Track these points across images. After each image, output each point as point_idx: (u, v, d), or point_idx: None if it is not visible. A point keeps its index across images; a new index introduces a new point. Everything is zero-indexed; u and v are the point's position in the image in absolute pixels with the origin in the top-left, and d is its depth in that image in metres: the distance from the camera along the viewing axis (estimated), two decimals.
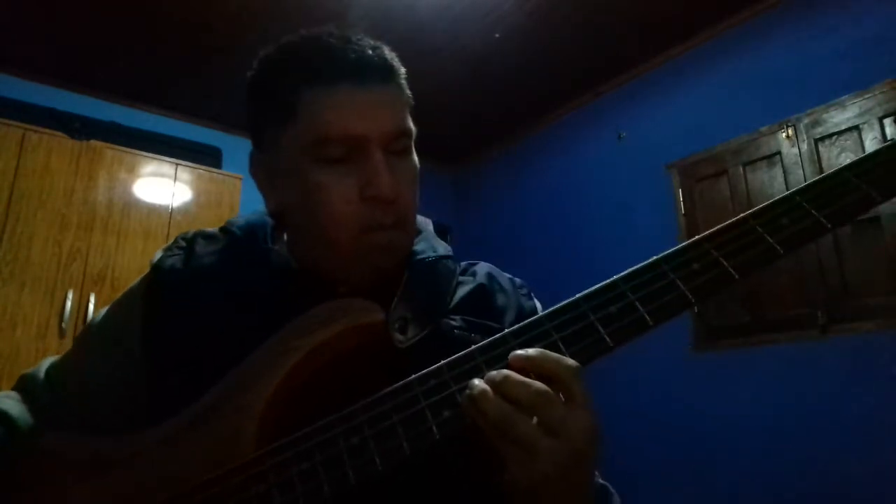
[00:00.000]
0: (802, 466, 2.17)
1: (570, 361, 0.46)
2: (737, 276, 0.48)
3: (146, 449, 0.52)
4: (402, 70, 0.63)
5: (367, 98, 0.59)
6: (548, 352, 0.47)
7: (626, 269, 0.52)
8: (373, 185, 0.57)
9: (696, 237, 0.51)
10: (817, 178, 0.51)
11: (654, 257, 0.51)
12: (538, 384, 0.45)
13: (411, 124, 0.62)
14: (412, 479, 0.51)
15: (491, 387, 0.45)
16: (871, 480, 1.99)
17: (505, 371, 0.46)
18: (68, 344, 2.37)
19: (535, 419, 0.44)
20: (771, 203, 0.51)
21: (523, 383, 0.45)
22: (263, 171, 0.65)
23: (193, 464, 0.49)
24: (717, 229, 0.50)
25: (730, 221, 0.51)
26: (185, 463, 0.50)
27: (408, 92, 0.64)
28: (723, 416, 2.43)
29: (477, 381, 0.46)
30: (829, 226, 0.48)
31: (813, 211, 0.49)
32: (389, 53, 0.63)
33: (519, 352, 0.47)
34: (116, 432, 0.55)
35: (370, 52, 0.60)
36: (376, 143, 0.58)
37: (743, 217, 0.51)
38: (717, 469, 2.38)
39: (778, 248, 0.48)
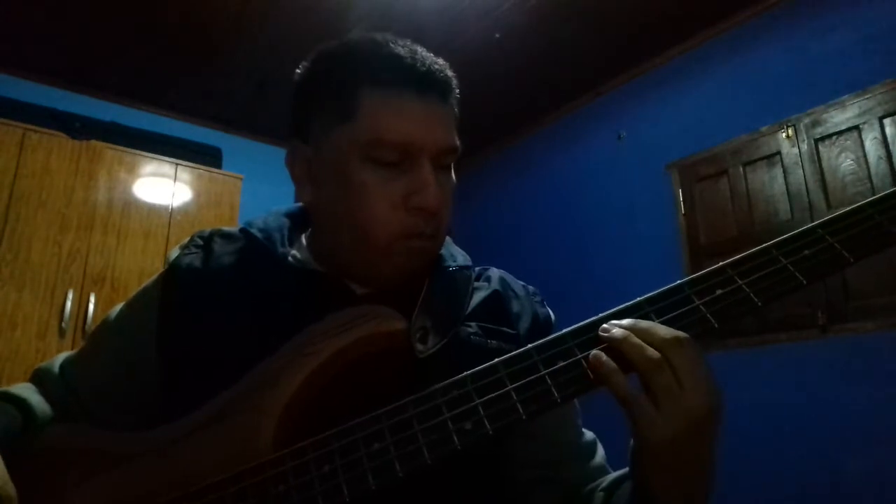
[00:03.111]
0: (802, 466, 2.17)
1: (681, 335, 0.47)
2: (759, 304, 0.49)
3: (159, 445, 0.52)
4: (458, 90, 0.65)
5: (429, 110, 0.60)
6: (659, 325, 0.48)
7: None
8: (421, 195, 0.58)
9: (720, 264, 0.52)
10: (840, 212, 0.52)
11: (679, 281, 0.52)
12: (652, 351, 0.46)
13: (459, 142, 0.64)
14: (427, 483, 0.51)
15: (611, 342, 0.48)
16: (871, 480, 2.00)
17: (625, 331, 0.48)
18: (68, 344, 2.38)
19: None
20: (793, 234, 0.52)
21: (640, 346, 0.47)
22: (303, 163, 0.65)
23: (207, 462, 0.49)
24: (741, 257, 0.52)
25: (753, 250, 0.52)
26: (199, 461, 0.50)
27: (457, 110, 0.66)
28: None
29: (598, 352, 0.48)
30: (852, 260, 0.49)
31: (836, 244, 0.50)
32: (450, 71, 0.64)
33: (631, 320, 0.49)
34: (129, 429, 0.56)
35: (435, 66, 0.62)
36: (428, 154, 0.59)
37: (766, 247, 0.52)
38: (717, 468, 2.38)
39: (800, 277, 0.49)
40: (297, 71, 0.66)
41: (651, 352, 0.46)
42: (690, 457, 0.47)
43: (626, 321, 0.49)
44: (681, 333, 0.47)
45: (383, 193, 0.59)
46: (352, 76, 0.60)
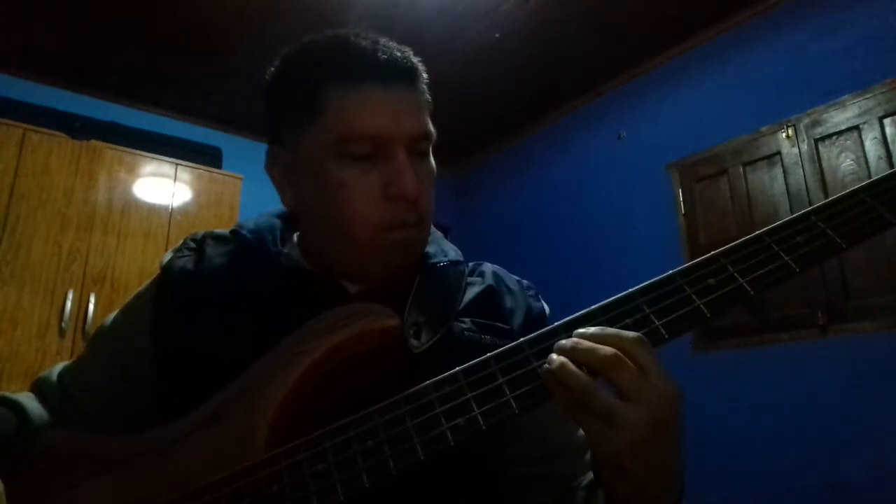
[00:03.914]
0: (802, 466, 2.17)
1: (632, 333, 0.46)
2: (752, 293, 0.48)
3: (155, 448, 0.52)
4: (426, 74, 0.65)
5: (395, 100, 0.60)
6: (606, 328, 0.47)
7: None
8: (397, 183, 0.58)
9: (713, 252, 0.51)
10: (832, 198, 0.52)
11: (670, 271, 0.51)
12: (606, 348, 0.45)
13: (432, 128, 0.63)
14: (421, 480, 0.51)
15: (564, 356, 0.45)
16: (871, 480, 2.00)
17: (573, 339, 0.46)
18: (68, 344, 2.38)
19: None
20: (786, 221, 0.51)
21: (591, 349, 0.45)
22: (281, 167, 0.65)
23: (203, 463, 0.49)
24: (733, 245, 0.51)
25: (745, 238, 0.51)
26: (195, 462, 0.50)
27: (428, 95, 0.65)
28: (723, 416, 2.43)
29: (554, 355, 0.46)
30: (845, 245, 0.49)
31: (828, 230, 0.49)
32: (415, 57, 0.64)
33: (580, 330, 0.47)
34: (127, 431, 0.56)
35: (398, 54, 0.61)
36: (400, 143, 0.59)
37: (758, 234, 0.51)
38: (717, 469, 2.39)
39: (793, 265, 0.49)
40: (265, 77, 0.66)
41: (585, 381, 0.44)
42: (648, 466, 0.45)
43: (569, 342, 0.46)
44: (628, 336, 0.45)
45: (360, 187, 0.58)
46: (316, 75, 0.60)
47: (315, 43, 0.63)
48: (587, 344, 0.45)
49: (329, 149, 0.59)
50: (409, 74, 0.62)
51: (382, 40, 0.62)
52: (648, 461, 0.45)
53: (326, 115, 0.59)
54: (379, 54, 0.60)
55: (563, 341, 0.47)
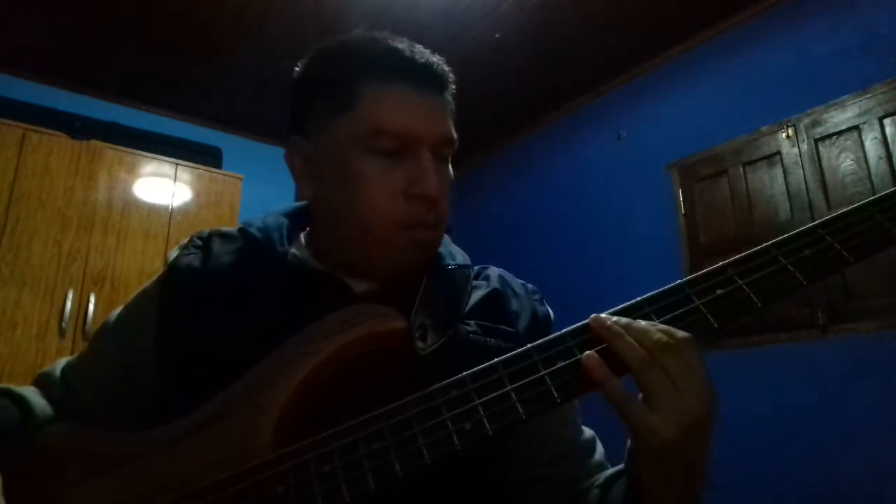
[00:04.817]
0: (801, 466, 2.17)
1: (682, 332, 0.47)
2: (760, 304, 0.49)
3: (158, 446, 0.52)
4: (454, 85, 0.67)
5: (427, 102, 0.61)
6: (657, 323, 0.49)
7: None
8: (421, 183, 0.59)
9: (721, 263, 0.51)
10: (840, 212, 0.52)
11: (679, 281, 0.52)
12: (658, 333, 0.47)
13: (456, 135, 0.65)
14: (427, 483, 0.51)
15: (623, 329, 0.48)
16: (871, 480, 2.00)
17: (627, 318, 0.49)
18: (68, 344, 2.38)
19: None
20: (793, 234, 0.52)
21: (646, 329, 0.47)
22: (303, 158, 0.66)
23: (204, 463, 0.49)
24: (741, 257, 0.51)
25: (753, 250, 0.52)
26: (195, 462, 0.50)
27: (454, 105, 0.67)
28: (723, 416, 2.41)
29: (613, 327, 0.48)
30: (852, 259, 0.49)
31: (836, 244, 0.50)
32: (447, 66, 0.66)
33: (624, 319, 0.49)
34: (129, 430, 0.56)
35: (434, 59, 0.63)
36: (427, 145, 0.60)
37: (766, 246, 0.51)
38: (716, 469, 2.38)
39: (801, 278, 0.49)
40: (296, 68, 0.67)
41: (644, 353, 0.46)
42: (682, 458, 0.47)
43: (623, 319, 0.49)
44: (680, 334, 0.47)
45: (383, 182, 0.59)
46: (352, 68, 0.61)
47: (351, 39, 0.65)
48: (630, 341, 0.47)
49: (356, 141, 0.60)
50: (442, 81, 0.64)
51: (418, 46, 0.64)
52: (685, 452, 0.46)
53: (358, 107, 0.60)
54: (416, 57, 0.62)
55: (612, 328, 0.48)
